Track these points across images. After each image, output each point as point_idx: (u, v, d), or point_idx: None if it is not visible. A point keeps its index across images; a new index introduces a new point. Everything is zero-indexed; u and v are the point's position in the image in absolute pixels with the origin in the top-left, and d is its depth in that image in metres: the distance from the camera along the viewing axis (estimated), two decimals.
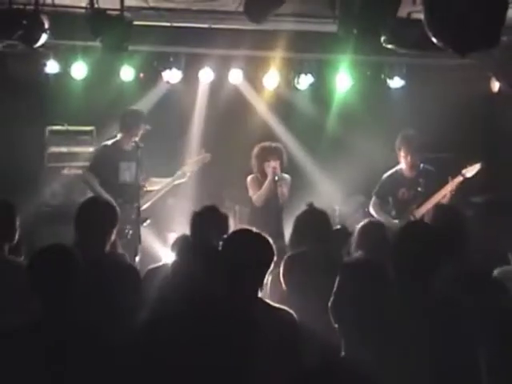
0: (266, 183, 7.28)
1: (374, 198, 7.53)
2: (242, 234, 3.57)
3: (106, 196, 6.86)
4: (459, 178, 7.22)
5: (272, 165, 7.25)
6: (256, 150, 7.43)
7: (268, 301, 3.51)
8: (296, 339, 3.34)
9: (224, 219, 4.83)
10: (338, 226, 5.81)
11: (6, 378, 3.19)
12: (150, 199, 7.57)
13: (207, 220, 4.73)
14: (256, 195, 7.32)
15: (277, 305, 3.48)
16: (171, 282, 4.16)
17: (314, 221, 4.93)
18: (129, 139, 7.35)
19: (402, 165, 7.43)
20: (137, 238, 6.92)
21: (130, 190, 7.13)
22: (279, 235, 7.01)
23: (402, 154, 7.36)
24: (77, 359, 3.19)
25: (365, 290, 2.90)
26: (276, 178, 7.20)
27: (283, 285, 4.37)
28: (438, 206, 5.68)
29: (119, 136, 7.47)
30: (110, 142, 7.55)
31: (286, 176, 7.45)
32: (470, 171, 7.25)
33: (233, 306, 3.17)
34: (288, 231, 5.42)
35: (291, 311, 3.48)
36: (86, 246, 4.14)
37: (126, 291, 4.07)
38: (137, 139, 7.28)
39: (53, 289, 3.34)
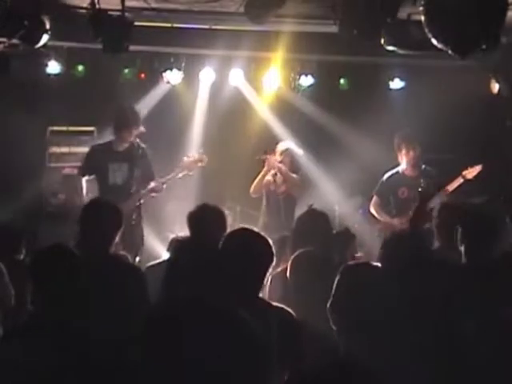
0: (262, 173, 7.51)
1: (374, 197, 7.60)
2: (241, 233, 3.58)
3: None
4: (459, 180, 7.24)
5: (264, 157, 7.45)
6: (277, 150, 7.62)
7: (267, 300, 3.52)
8: (296, 337, 3.35)
9: (221, 217, 4.82)
10: (342, 229, 5.82)
11: (7, 377, 3.20)
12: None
13: (204, 219, 4.72)
14: (252, 186, 7.58)
15: (276, 304, 3.49)
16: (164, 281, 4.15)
17: (315, 222, 4.93)
18: (120, 140, 7.18)
19: (404, 165, 7.46)
20: (139, 238, 6.94)
21: (120, 192, 6.93)
22: (285, 228, 7.10)
23: (404, 151, 7.39)
24: (78, 359, 3.19)
25: (363, 291, 2.91)
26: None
27: (290, 282, 4.36)
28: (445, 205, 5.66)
29: (111, 136, 7.33)
30: (99, 143, 7.45)
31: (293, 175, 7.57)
32: (471, 173, 7.26)
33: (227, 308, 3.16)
34: None
35: (290, 310, 3.49)
36: (91, 247, 4.15)
37: (130, 291, 4.08)
38: (131, 140, 7.16)
39: (54, 289, 3.35)
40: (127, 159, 7.12)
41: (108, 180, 7.14)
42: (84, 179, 7.26)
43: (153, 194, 7.19)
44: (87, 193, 7.21)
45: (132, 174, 7.12)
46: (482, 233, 4.11)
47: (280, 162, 7.50)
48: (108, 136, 7.49)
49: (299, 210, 6.73)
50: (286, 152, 7.57)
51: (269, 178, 7.55)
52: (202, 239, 4.43)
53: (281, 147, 7.64)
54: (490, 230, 4.12)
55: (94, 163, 7.23)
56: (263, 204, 7.68)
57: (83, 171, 7.33)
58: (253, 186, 7.61)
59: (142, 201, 7.16)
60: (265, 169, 7.53)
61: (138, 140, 7.20)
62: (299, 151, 7.74)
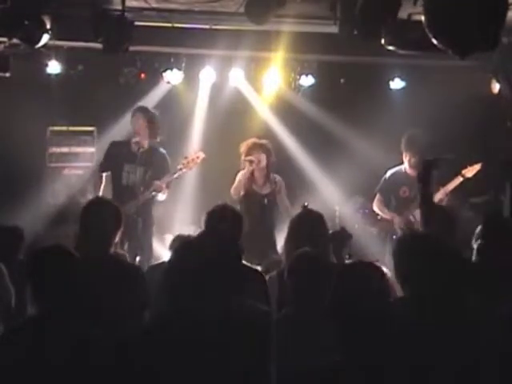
0: (240, 174, 7.34)
1: (377, 195, 7.65)
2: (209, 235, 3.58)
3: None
4: (459, 179, 7.31)
5: (249, 158, 7.30)
6: (241, 146, 7.46)
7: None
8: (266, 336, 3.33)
9: (238, 217, 4.81)
10: (339, 228, 5.82)
11: (7, 378, 3.20)
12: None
13: (221, 219, 4.70)
14: (232, 188, 7.36)
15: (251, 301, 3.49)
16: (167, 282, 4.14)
17: (310, 223, 4.91)
18: (137, 139, 7.14)
19: (406, 164, 7.50)
20: (147, 241, 6.94)
21: (130, 193, 6.97)
22: (267, 233, 7.04)
23: (404, 154, 7.46)
24: (78, 359, 3.19)
25: (362, 292, 2.91)
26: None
27: (288, 282, 4.35)
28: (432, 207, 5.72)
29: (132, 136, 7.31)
30: (119, 140, 7.44)
31: (277, 177, 7.45)
32: (470, 171, 7.33)
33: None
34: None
35: (265, 308, 3.49)
36: (91, 247, 4.15)
37: (130, 291, 4.08)
38: (148, 142, 7.15)
39: (53, 289, 3.35)
40: (143, 163, 7.10)
41: (121, 180, 7.14)
42: (104, 175, 7.25)
43: (153, 193, 7.15)
44: (97, 191, 7.21)
45: (144, 177, 7.12)
46: (497, 236, 4.21)
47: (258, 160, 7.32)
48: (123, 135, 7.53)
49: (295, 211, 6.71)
50: (261, 147, 7.40)
51: (248, 176, 7.33)
52: (216, 239, 4.39)
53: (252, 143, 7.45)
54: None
55: (112, 160, 7.23)
56: (242, 206, 7.23)
57: (102, 168, 7.32)
58: (233, 187, 7.37)
59: (143, 199, 7.07)
60: (244, 170, 7.34)
61: (159, 146, 7.21)
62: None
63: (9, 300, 4.53)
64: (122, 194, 6.91)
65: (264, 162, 7.36)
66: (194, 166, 7.38)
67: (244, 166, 7.37)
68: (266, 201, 7.33)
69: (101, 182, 7.24)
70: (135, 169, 7.11)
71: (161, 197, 7.22)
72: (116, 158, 7.20)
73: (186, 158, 7.33)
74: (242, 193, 7.36)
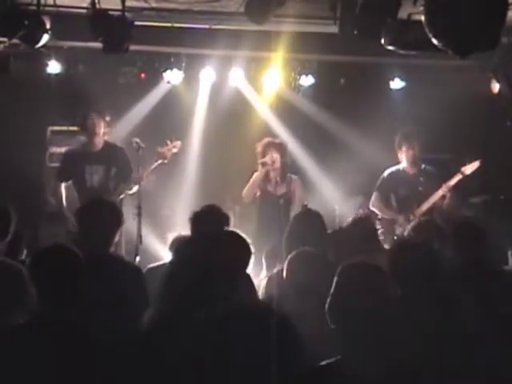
0: (254, 176, 7.31)
1: (375, 193, 7.60)
2: (212, 235, 3.58)
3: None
4: (458, 176, 7.32)
5: (262, 161, 7.28)
6: (257, 146, 7.44)
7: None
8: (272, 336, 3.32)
9: (225, 218, 4.83)
10: (337, 228, 5.82)
11: (6, 377, 3.20)
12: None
13: (207, 219, 4.72)
14: (244, 190, 7.34)
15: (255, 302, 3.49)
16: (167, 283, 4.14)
17: (309, 222, 4.91)
18: (92, 140, 7.19)
19: (404, 163, 7.49)
20: (138, 238, 6.92)
21: (98, 194, 6.86)
22: (283, 233, 7.02)
23: (404, 149, 7.42)
24: (78, 359, 3.19)
25: (362, 291, 2.91)
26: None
27: (287, 282, 4.35)
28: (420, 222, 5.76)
29: (85, 138, 7.34)
30: (73, 147, 7.47)
31: (293, 176, 7.46)
32: (469, 169, 7.36)
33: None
34: None
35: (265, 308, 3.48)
36: (91, 246, 4.15)
37: (130, 291, 4.08)
38: (105, 139, 7.18)
39: (55, 289, 3.35)
40: (103, 160, 7.14)
41: (86, 183, 7.17)
42: (63, 185, 7.26)
43: (131, 186, 7.12)
44: (67, 197, 7.21)
45: (109, 174, 7.16)
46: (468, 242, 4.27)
47: (272, 161, 7.30)
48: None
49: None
50: (272, 145, 7.40)
51: (262, 178, 7.31)
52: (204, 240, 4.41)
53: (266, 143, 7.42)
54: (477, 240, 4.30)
55: (69, 168, 7.27)
56: (257, 207, 7.34)
57: (60, 178, 7.32)
58: (246, 189, 7.36)
59: (121, 196, 7.09)
60: (258, 172, 7.30)
61: (115, 142, 7.22)
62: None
63: (31, 304, 4.52)
64: (89, 196, 6.83)
65: (278, 163, 7.34)
66: (170, 156, 7.29)
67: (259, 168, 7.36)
68: (281, 201, 7.29)
69: (60, 192, 7.26)
70: (97, 169, 7.17)
71: (132, 190, 7.20)
72: (75, 164, 7.23)
73: (161, 148, 7.25)
74: (258, 194, 7.35)
